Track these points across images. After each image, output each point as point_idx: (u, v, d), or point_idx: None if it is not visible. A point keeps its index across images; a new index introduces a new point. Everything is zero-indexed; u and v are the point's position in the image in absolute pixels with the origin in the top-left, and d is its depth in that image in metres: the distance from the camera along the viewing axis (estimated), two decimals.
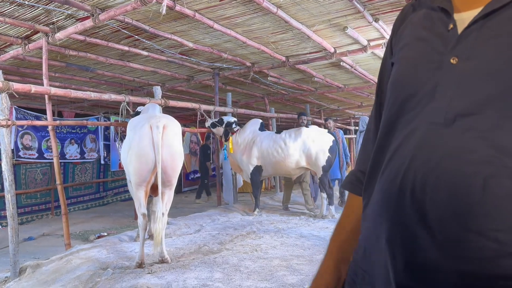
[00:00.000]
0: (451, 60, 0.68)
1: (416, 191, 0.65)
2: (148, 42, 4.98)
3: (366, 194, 0.82)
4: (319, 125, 7.89)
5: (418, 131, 0.68)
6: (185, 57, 5.75)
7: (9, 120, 3.71)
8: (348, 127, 12.68)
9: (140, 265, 3.52)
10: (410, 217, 0.65)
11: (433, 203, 0.63)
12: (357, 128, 11.15)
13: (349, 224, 0.92)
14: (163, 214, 3.67)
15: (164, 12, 3.34)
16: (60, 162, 4.85)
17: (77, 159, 8.49)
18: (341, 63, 6.27)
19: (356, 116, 12.58)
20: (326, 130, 6.32)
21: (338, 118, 12.76)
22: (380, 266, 0.72)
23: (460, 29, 0.70)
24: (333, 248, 0.92)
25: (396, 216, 0.68)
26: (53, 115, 4.71)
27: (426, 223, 0.63)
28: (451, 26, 0.71)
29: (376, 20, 4.46)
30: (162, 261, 3.65)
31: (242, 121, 7.20)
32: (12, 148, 4.45)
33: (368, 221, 0.78)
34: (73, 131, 8.34)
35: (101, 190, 9.45)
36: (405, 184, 0.67)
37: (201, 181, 9.64)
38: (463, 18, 0.70)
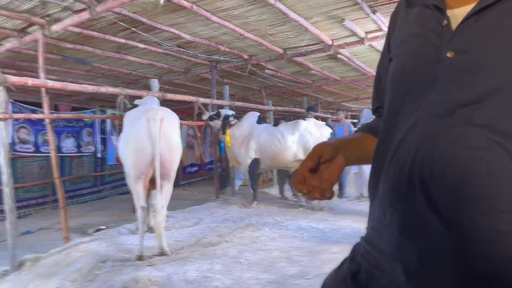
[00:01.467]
0: (448, 54, 0.70)
1: (425, 180, 0.67)
2: (145, 34, 4.94)
3: (371, 187, 0.83)
4: (317, 118, 7.89)
5: (421, 122, 0.70)
6: (182, 49, 5.72)
7: (6, 113, 3.69)
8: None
9: (140, 257, 3.52)
10: (421, 206, 0.67)
11: (442, 191, 0.65)
12: (354, 120, 11.17)
13: (359, 141, 0.99)
14: (162, 207, 3.68)
15: (162, 2, 3.33)
16: (57, 156, 4.82)
17: (74, 152, 8.46)
18: (339, 56, 6.26)
19: (353, 109, 12.58)
20: (324, 123, 6.32)
21: (334, 111, 12.74)
22: (391, 256, 0.73)
23: (454, 24, 0.72)
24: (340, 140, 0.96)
25: (407, 205, 0.70)
26: (49, 108, 4.66)
27: (437, 210, 0.65)
28: (445, 22, 0.73)
29: (374, 12, 4.45)
30: (162, 253, 3.65)
31: (240, 114, 7.17)
32: (9, 141, 4.42)
33: (377, 212, 0.79)
34: (69, 124, 8.30)
35: (99, 184, 9.43)
36: (414, 174, 0.69)
37: (220, 172, 9.80)
38: (456, 14, 0.73)
